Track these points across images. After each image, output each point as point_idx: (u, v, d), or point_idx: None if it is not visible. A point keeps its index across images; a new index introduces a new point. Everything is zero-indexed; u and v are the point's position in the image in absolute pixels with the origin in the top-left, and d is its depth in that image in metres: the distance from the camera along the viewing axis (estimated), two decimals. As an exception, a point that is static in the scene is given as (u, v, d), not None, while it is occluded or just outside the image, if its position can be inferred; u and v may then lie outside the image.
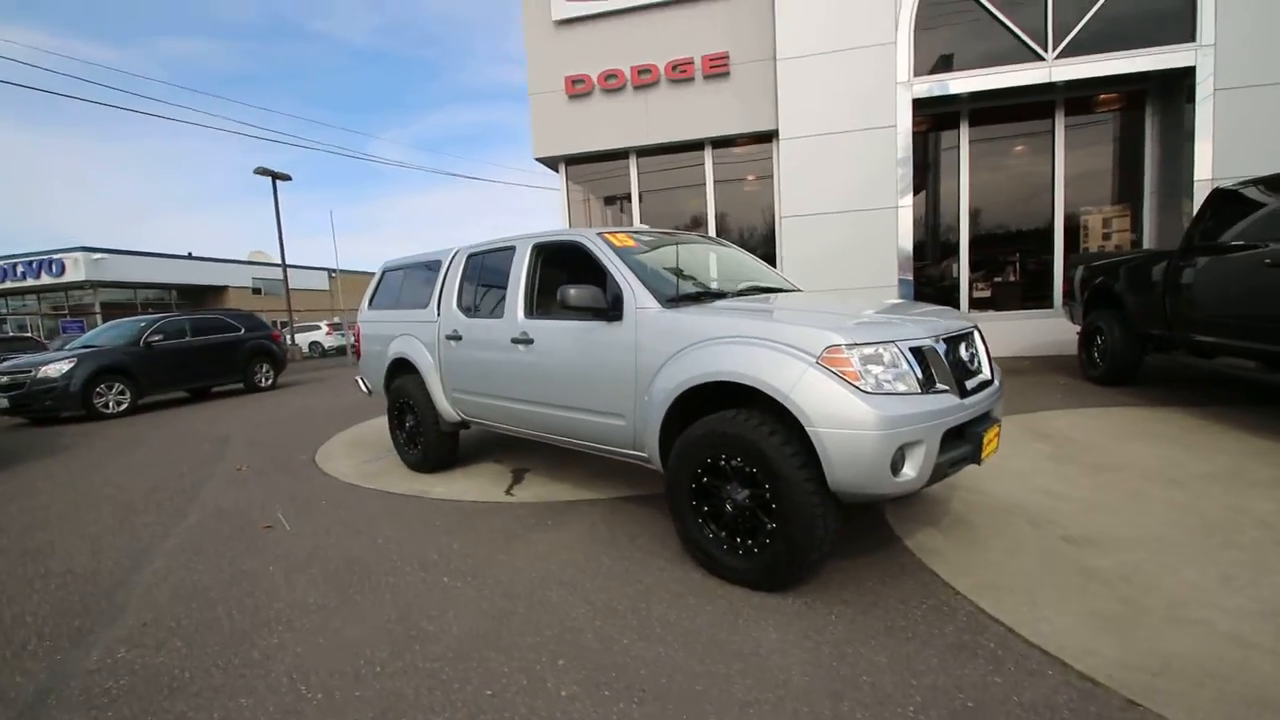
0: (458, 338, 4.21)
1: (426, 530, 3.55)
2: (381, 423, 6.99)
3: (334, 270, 38.18)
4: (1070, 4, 7.79)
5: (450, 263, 4.52)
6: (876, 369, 2.38)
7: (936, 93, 8.28)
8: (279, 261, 20.99)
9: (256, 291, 33.33)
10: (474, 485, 4.37)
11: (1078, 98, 8.61)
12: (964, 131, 9.00)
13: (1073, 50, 7.84)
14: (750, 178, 9.88)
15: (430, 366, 4.50)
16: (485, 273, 4.19)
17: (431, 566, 3.04)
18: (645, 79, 9.42)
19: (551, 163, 10.38)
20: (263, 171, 19.56)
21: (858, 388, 2.34)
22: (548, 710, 1.93)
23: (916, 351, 2.50)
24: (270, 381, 11.61)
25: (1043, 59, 7.95)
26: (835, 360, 2.39)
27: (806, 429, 2.37)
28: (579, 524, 3.51)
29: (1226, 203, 5.23)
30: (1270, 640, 2.07)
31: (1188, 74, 7.59)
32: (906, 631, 2.27)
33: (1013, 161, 9.18)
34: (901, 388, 2.39)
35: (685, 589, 2.67)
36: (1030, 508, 3.30)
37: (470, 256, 4.35)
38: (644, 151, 9.93)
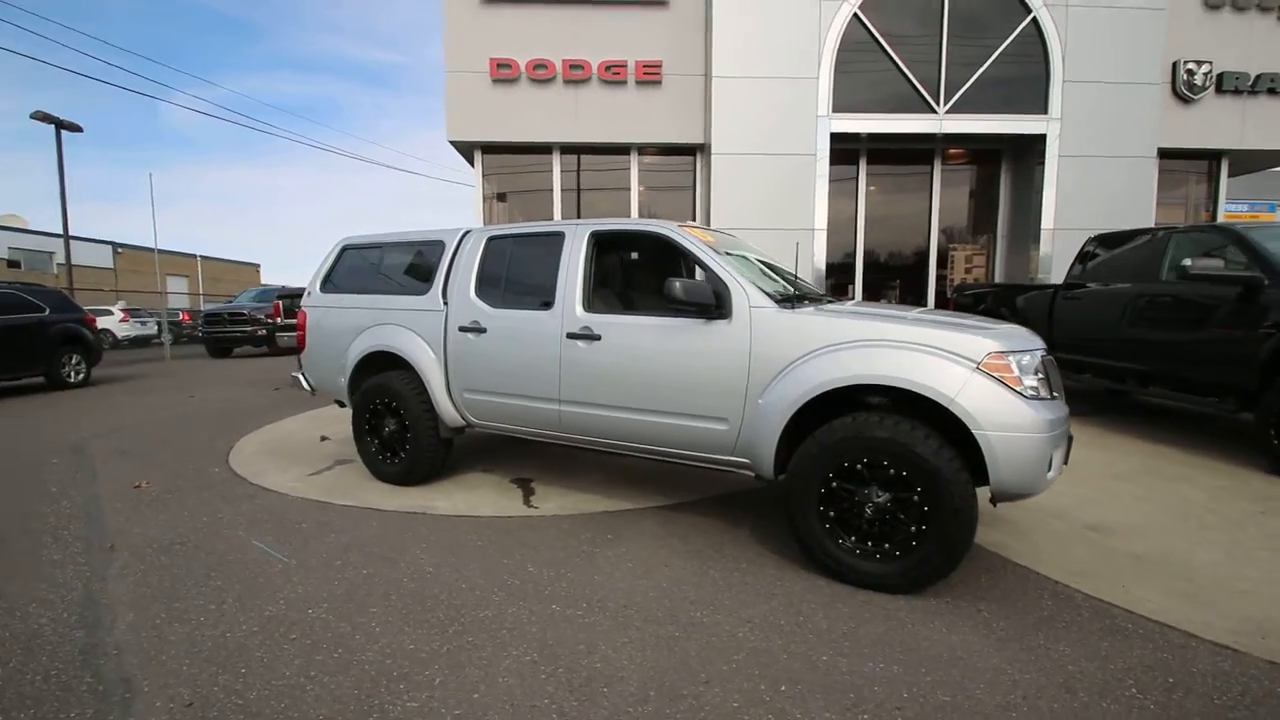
0: (478, 330, 3.70)
1: (475, 552, 3.06)
2: (293, 426, 5.97)
3: (120, 245, 31.73)
4: (959, 67, 9.03)
5: (460, 245, 3.98)
6: (1030, 376, 2.53)
7: (851, 129, 9.09)
8: (52, 230, 16.93)
9: (14, 265, 26.54)
10: (479, 498, 3.86)
11: (953, 149, 9.99)
12: (862, 166, 9.98)
13: (959, 107, 9.08)
14: (673, 190, 10.03)
15: (431, 362, 3.90)
16: (518, 259, 3.74)
17: (525, 594, 2.62)
18: (577, 74, 9.15)
19: (466, 149, 9.64)
20: (43, 117, 15.63)
21: (1019, 393, 2.46)
22: (822, 742, 1.74)
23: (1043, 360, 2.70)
24: (82, 376, 9.28)
25: (935, 111, 9.10)
26: (996, 366, 2.49)
27: (974, 432, 2.44)
28: (642, 536, 3.26)
29: (1095, 248, 6.41)
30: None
31: (1039, 139, 9.17)
32: (1058, 621, 2.41)
33: (898, 198, 10.37)
34: (1044, 393, 2.56)
35: (828, 597, 2.59)
36: (1032, 502, 3.68)
37: (493, 239, 3.86)
38: (569, 148, 9.63)
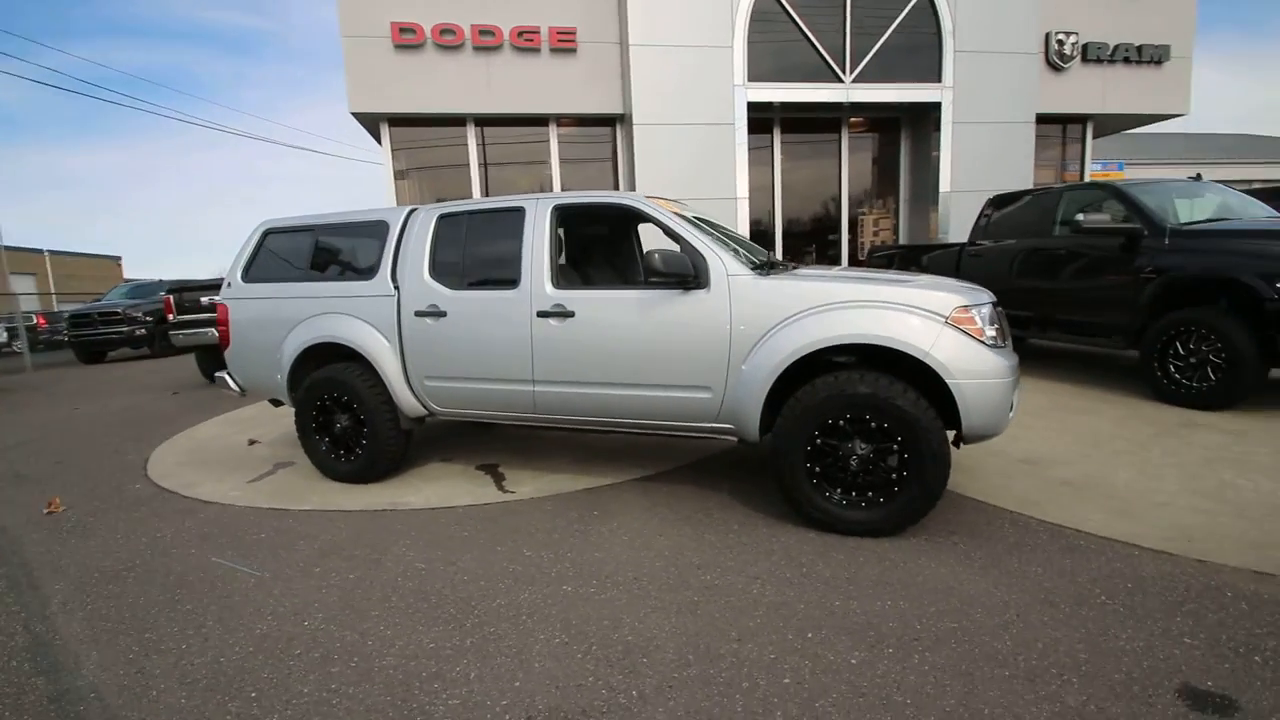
0: (438, 314, 3.53)
1: (463, 544, 2.97)
2: (210, 431, 5.49)
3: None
4: (862, 38, 9.40)
5: (406, 225, 3.74)
6: (989, 326, 2.75)
7: (765, 99, 9.29)
8: None
9: None
10: (449, 489, 3.74)
11: (857, 118, 10.46)
12: (777, 135, 10.26)
13: (863, 77, 9.49)
14: (595, 161, 9.88)
15: (385, 350, 3.68)
16: (475, 238, 3.57)
17: (532, 579, 2.59)
18: (487, 40, 8.73)
19: (371, 121, 9.01)
20: None
21: (982, 343, 2.68)
22: (899, 677, 1.86)
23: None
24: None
25: (842, 81, 9.47)
26: (963, 320, 2.69)
27: (948, 381, 2.63)
28: (629, 510, 3.29)
29: (994, 208, 6.98)
30: (1210, 504, 2.95)
31: (935, 107, 9.78)
32: (1024, 545, 2.68)
33: (810, 165, 10.77)
34: (1000, 342, 2.80)
35: (820, 547, 2.74)
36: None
37: (444, 217, 3.66)
38: (485, 120, 9.23)
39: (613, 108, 9.28)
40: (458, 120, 9.17)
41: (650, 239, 3.78)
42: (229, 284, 4.18)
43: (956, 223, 9.65)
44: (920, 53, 9.59)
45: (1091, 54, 10.64)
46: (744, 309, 2.94)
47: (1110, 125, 11.89)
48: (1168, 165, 20.31)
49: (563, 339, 3.27)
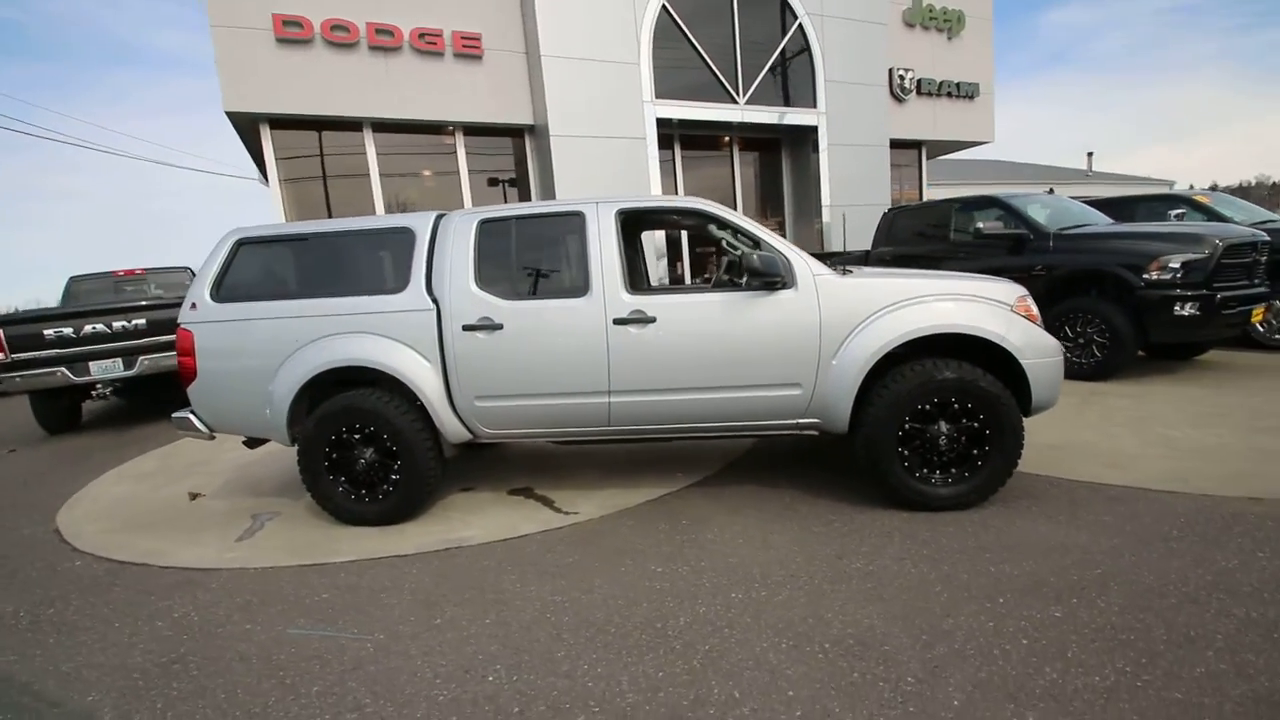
0: (492, 326, 3.23)
1: (580, 570, 2.77)
2: (120, 491, 4.53)
3: None
4: (752, 63, 10.16)
5: (437, 232, 3.39)
6: (1037, 311, 3.17)
7: (672, 115, 9.65)
8: None
9: None
10: (499, 519, 3.43)
11: (746, 136, 11.25)
12: (678, 150, 10.69)
13: (755, 99, 10.25)
14: (505, 172, 9.54)
15: (424, 371, 3.28)
16: (528, 245, 3.34)
17: (694, 594, 2.49)
18: (385, 40, 8.09)
19: (248, 123, 7.90)
20: None
21: (1038, 326, 3.09)
22: (1106, 620, 2.07)
23: (1023, 300, 3.39)
24: None
25: (737, 102, 10.14)
26: (1024, 307, 3.08)
27: (1022, 362, 2.99)
28: (712, 516, 3.26)
29: (895, 218, 7.94)
30: (1167, 452, 3.65)
31: (813, 130, 10.84)
32: (1081, 503, 3.10)
33: (707, 180, 11.35)
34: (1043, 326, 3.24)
35: (928, 524, 2.95)
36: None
37: (488, 223, 3.36)
38: (385, 125, 8.51)
39: (522, 118, 9.05)
40: (353, 125, 8.35)
41: (651, 247, 3.79)
42: (193, 305, 3.46)
43: (835, 234, 10.75)
44: (800, 81, 10.60)
45: (924, 88, 12.50)
46: (832, 306, 3.09)
47: (939, 150, 14.02)
48: (982, 185, 24.05)
49: (643, 346, 3.18)
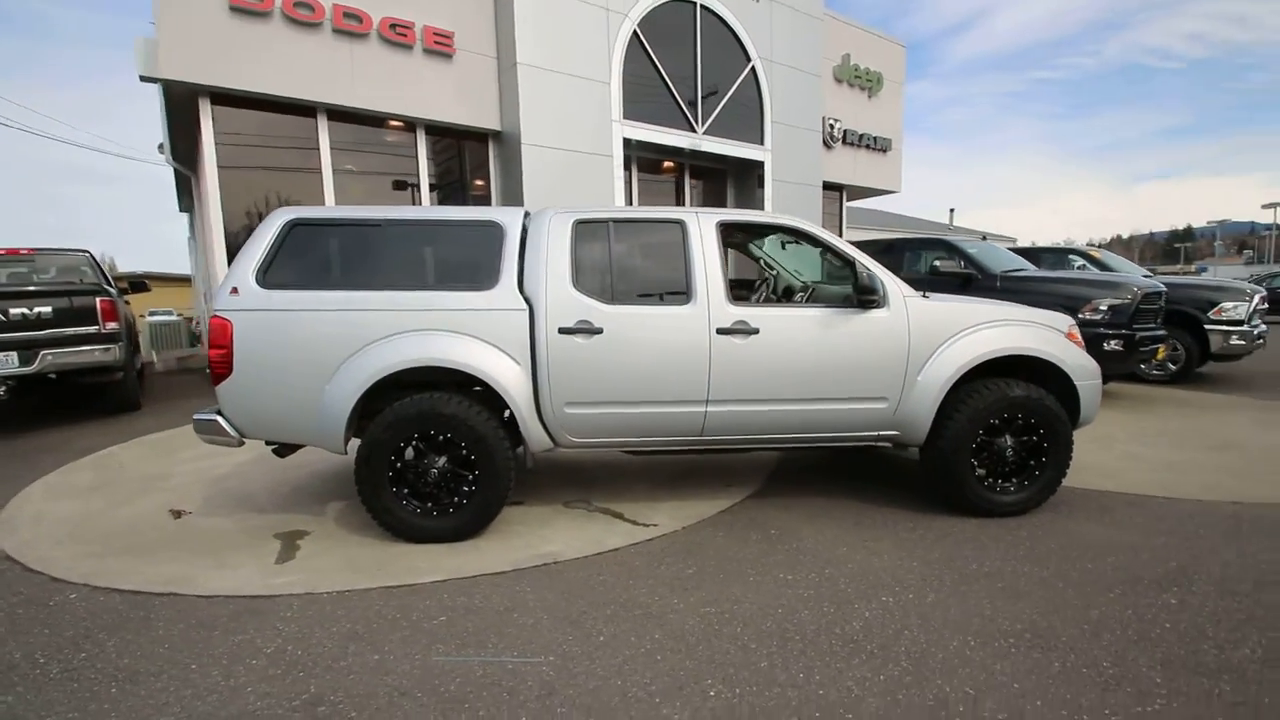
0: (591, 330, 3.10)
1: (711, 582, 2.70)
2: (68, 510, 3.83)
3: None
4: (711, 100, 10.59)
5: (529, 229, 3.21)
6: (1081, 338, 3.58)
7: (636, 136, 9.78)
8: None
9: None
10: (573, 533, 3.26)
11: (698, 165, 11.64)
12: (634, 171, 10.83)
13: (711, 130, 10.66)
14: (477, 182, 9.14)
15: (513, 375, 3.07)
16: (627, 249, 3.24)
17: (850, 598, 2.53)
18: (352, 25, 7.56)
19: (185, 94, 6.99)
20: None
21: (1084, 351, 3.49)
22: (1234, 608, 2.35)
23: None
24: None
25: (695, 131, 10.50)
26: (1073, 335, 3.46)
27: (1075, 382, 3.35)
28: (797, 524, 3.32)
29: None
30: (1167, 466, 4.24)
31: (759, 165, 11.45)
32: (1134, 507, 3.46)
33: (656, 201, 11.56)
34: (1082, 351, 3.65)
35: (1001, 528, 3.19)
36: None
37: (584, 223, 3.23)
38: (341, 114, 7.88)
39: (489, 123, 8.77)
40: (305, 109, 7.66)
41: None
42: (233, 289, 3.00)
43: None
44: (750, 118, 11.19)
45: (848, 139, 13.65)
46: (919, 326, 3.30)
47: (856, 194, 15.30)
48: (877, 230, 26.19)
49: (746, 357, 3.19)
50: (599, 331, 3.12)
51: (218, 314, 2.99)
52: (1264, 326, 7.97)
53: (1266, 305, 8.45)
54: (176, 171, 10.71)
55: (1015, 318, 3.42)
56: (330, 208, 3.25)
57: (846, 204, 14.88)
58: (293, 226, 3.13)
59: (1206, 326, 7.47)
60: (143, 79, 8.40)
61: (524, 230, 3.27)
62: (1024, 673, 2.01)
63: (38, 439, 5.50)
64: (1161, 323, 6.80)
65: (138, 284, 8.43)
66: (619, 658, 2.13)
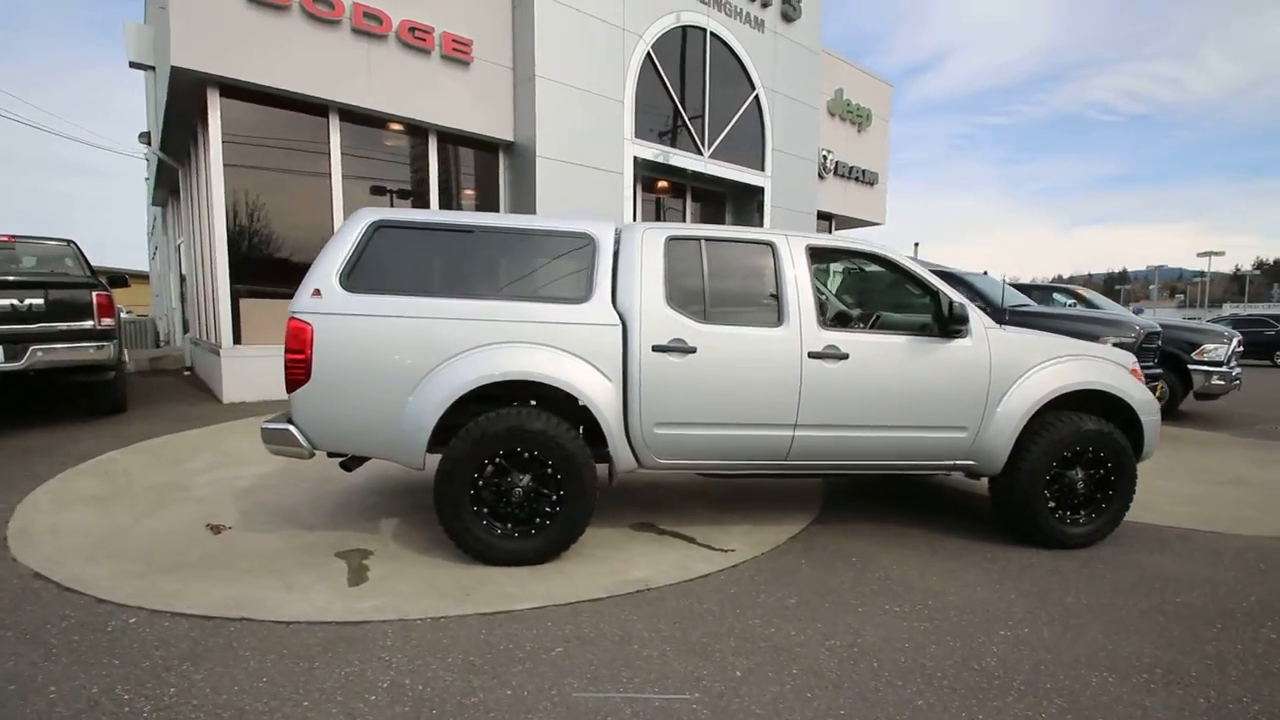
0: (685, 349, 3.03)
1: (814, 614, 2.63)
2: (77, 519, 3.55)
3: None
4: (717, 125, 10.73)
5: (623, 243, 3.13)
6: (1142, 375, 3.69)
7: (646, 156, 9.81)
8: None
9: None
10: (649, 558, 3.15)
11: (700, 188, 11.74)
12: (638, 191, 10.83)
13: (717, 154, 10.79)
14: (468, 191, 8.97)
15: (605, 391, 2.97)
16: (720, 268, 3.19)
17: (968, 630, 2.50)
18: (372, 26, 7.37)
19: (192, 84, 6.66)
20: None
21: (1145, 387, 3.59)
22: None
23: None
24: None
25: (702, 154, 10.60)
26: (1136, 371, 3.57)
27: (1142, 418, 3.45)
28: (872, 553, 3.29)
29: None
30: (1198, 507, 4.39)
31: (760, 191, 11.62)
32: (1187, 540, 3.57)
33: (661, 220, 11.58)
34: (1139, 388, 3.76)
35: (1073, 560, 3.23)
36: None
37: (675, 240, 3.17)
38: (354, 115, 7.65)
39: (502, 133, 8.65)
40: (318, 108, 7.40)
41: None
42: (315, 291, 2.82)
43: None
44: (753, 145, 11.38)
45: (840, 170, 14.02)
46: (1000, 357, 3.34)
47: (844, 224, 15.68)
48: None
49: (835, 382, 3.17)
50: (692, 350, 3.05)
51: (296, 316, 2.80)
52: (1239, 369, 8.45)
53: (1242, 349, 8.97)
54: (160, 163, 10.19)
55: (1087, 352, 3.50)
56: (415, 210, 3.10)
57: (833, 233, 15.21)
58: (377, 228, 2.97)
59: (1190, 366, 7.87)
60: (132, 65, 8.04)
61: (615, 244, 3.19)
62: (1175, 709, 2.00)
63: (23, 440, 5.06)
64: (1158, 362, 7.14)
65: (117, 279, 7.96)
66: (767, 694, 2.04)
